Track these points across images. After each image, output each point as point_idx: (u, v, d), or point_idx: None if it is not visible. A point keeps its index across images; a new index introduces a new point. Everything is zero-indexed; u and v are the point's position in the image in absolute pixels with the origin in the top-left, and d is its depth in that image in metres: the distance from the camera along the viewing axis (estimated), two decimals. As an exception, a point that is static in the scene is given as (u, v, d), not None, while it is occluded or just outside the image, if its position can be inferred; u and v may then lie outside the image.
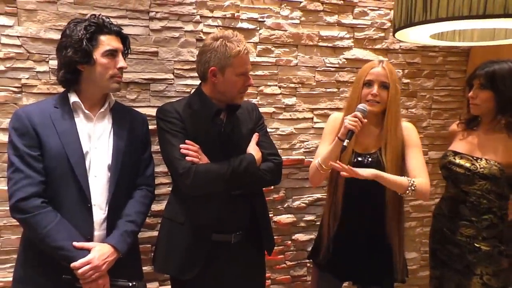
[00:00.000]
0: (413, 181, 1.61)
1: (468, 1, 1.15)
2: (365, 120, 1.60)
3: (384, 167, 1.67)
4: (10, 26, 1.75)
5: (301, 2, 2.18)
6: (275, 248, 1.96)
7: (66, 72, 1.47)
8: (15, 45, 1.76)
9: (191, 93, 1.77)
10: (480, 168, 1.70)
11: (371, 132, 1.75)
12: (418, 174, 1.66)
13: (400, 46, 2.40)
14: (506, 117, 1.70)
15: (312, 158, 2.05)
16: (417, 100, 2.51)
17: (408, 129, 1.76)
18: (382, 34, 2.37)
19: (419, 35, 1.50)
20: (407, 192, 1.61)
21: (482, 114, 1.78)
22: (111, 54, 1.48)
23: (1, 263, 1.84)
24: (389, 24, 2.36)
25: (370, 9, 2.32)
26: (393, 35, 1.50)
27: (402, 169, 1.72)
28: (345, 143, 1.56)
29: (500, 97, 1.67)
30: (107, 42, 1.47)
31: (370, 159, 1.70)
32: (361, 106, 1.64)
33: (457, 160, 1.78)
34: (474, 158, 1.74)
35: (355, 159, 1.72)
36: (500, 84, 1.65)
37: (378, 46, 2.37)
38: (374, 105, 1.68)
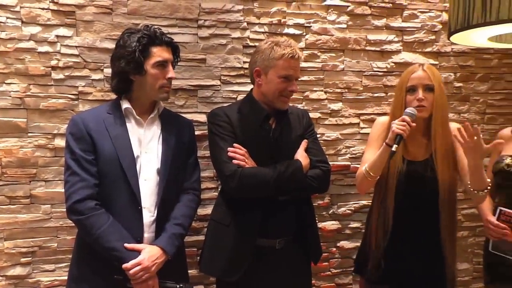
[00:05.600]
0: (489, 180, 1.57)
1: (533, 1, 1.09)
2: (414, 124, 1.55)
3: (437, 175, 1.60)
4: (69, 37, 1.85)
5: (348, 6, 2.15)
6: (319, 255, 1.93)
7: (119, 81, 1.54)
8: (73, 55, 1.86)
9: (243, 97, 1.78)
10: None
11: (419, 138, 1.69)
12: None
13: (452, 48, 2.31)
14: None
15: (358, 164, 2.01)
16: (470, 105, 2.40)
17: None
18: (433, 37, 2.28)
19: (476, 38, 1.43)
20: (481, 192, 1.56)
21: None
22: (161, 65, 1.53)
23: (58, 262, 1.93)
24: (440, 26, 2.28)
25: (420, 12, 2.25)
26: (448, 39, 1.44)
27: (454, 176, 1.65)
28: (393, 149, 1.51)
29: None
30: (158, 53, 1.52)
31: (422, 166, 1.64)
32: (409, 109, 1.59)
33: None
34: None
35: (406, 167, 1.66)
36: None
37: (429, 49, 2.29)
38: (422, 110, 1.62)
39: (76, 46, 1.86)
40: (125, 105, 1.55)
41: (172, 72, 1.56)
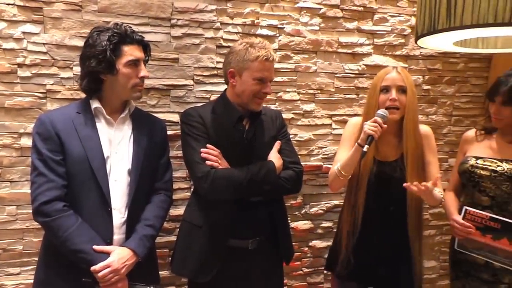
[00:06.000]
0: (442, 195, 1.67)
1: (494, 8, 1.13)
2: (385, 126, 1.59)
3: (405, 176, 1.65)
4: (36, 34, 1.79)
5: (320, 8, 2.18)
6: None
7: (89, 81, 1.50)
8: (41, 52, 1.81)
9: (217, 98, 1.78)
10: (507, 168, 1.70)
11: (390, 139, 1.74)
12: (438, 183, 1.70)
13: (421, 52, 2.38)
14: None
15: (330, 165, 2.05)
16: (438, 107, 2.48)
17: (427, 134, 1.77)
18: (402, 40, 2.34)
19: (442, 42, 1.48)
20: (438, 206, 1.70)
21: (504, 127, 1.77)
22: (134, 63, 1.50)
23: (23, 265, 1.88)
24: (409, 30, 2.34)
25: (390, 16, 2.31)
26: (415, 42, 1.48)
27: (422, 177, 1.71)
28: (364, 149, 1.55)
29: None
30: (130, 52, 1.49)
31: (392, 168, 1.69)
32: (380, 111, 1.63)
33: (481, 164, 1.76)
34: (498, 160, 1.75)
35: (377, 167, 1.70)
36: None
37: (398, 53, 2.35)
38: (394, 112, 1.67)
39: (43, 43, 1.81)
40: (95, 104, 1.52)
41: (144, 70, 1.54)
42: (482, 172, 1.75)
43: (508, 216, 1.68)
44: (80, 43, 1.76)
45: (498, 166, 1.72)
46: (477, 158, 1.80)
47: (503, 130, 1.79)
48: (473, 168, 1.78)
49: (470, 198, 1.83)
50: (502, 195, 1.72)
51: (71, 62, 1.84)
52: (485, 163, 1.76)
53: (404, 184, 1.57)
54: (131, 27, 1.54)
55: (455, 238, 1.80)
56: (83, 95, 1.60)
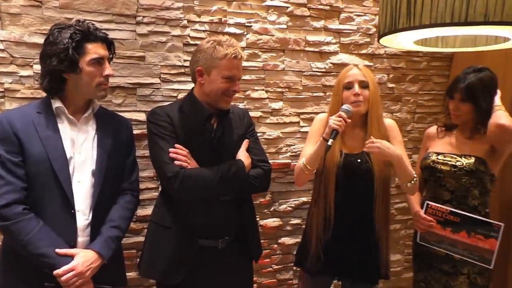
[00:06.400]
0: (415, 175, 1.70)
1: (450, 8, 1.17)
2: (349, 120, 1.62)
3: (372, 167, 1.69)
4: (-8, 30, 1.72)
5: (288, 7, 2.19)
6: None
7: (51, 81, 1.45)
8: (-2, 49, 1.74)
9: (184, 96, 1.76)
10: (466, 163, 1.76)
11: (356, 133, 1.78)
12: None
13: (385, 51, 2.44)
14: (485, 126, 1.75)
15: (299, 162, 2.08)
16: (402, 104, 2.55)
17: (391, 126, 1.82)
18: (368, 39, 2.39)
19: (403, 41, 1.52)
20: (409, 184, 1.69)
21: (462, 123, 1.84)
22: (98, 62, 1.47)
23: (-18, 270, 1.80)
24: (374, 29, 2.39)
25: (356, 15, 2.35)
26: (378, 41, 1.51)
27: (388, 168, 1.75)
28: (329, 143, 1.58)
29: (479, 108, 1.75)
30: (94, 50, 1.45)
31: (358, 160, 1.72)
32: (345, 106, 1.66)
33: (441, 159, 1.82)
34: (458, 155, 1.81)
35: (343, 160, 1.73)
36: (480, 97, 1.74)
37: (364, 51, 2.40)
38: (359, 105, 1.70)
39: (1, 40, 1.73)
40: (57, 104, 1.47)
41: (109, 69, 1.50)
42: (442, 167, 1.81)
43: (467, 210, 1.75)
44: (41, 40, 1.70)
45: (458, 161, 1.79)
46: (438, 153, 1.86)
47: (462, 126, 1.86)
48: (434, 163, 1.84)
49: (432, 193, 1.89)
50: (461, 189, 1.78)
51: (31, 60, 1.78)
52: (445, 158, 1.82)
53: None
54: (94, 24, 1.50)
55: (417, 231, 1.86)
56: (44, 94, 1.55)
